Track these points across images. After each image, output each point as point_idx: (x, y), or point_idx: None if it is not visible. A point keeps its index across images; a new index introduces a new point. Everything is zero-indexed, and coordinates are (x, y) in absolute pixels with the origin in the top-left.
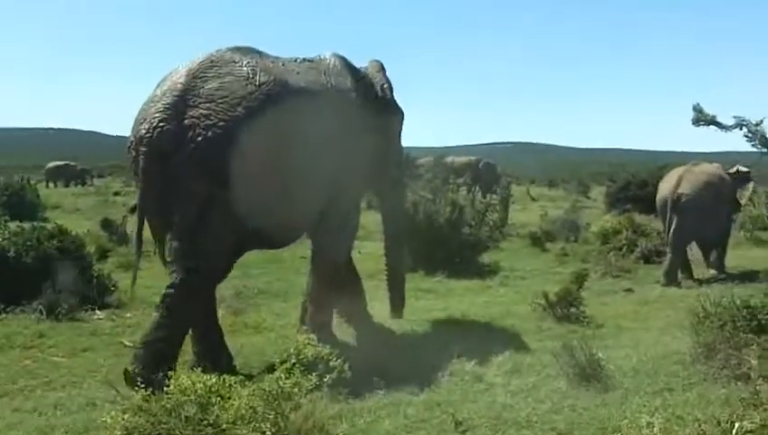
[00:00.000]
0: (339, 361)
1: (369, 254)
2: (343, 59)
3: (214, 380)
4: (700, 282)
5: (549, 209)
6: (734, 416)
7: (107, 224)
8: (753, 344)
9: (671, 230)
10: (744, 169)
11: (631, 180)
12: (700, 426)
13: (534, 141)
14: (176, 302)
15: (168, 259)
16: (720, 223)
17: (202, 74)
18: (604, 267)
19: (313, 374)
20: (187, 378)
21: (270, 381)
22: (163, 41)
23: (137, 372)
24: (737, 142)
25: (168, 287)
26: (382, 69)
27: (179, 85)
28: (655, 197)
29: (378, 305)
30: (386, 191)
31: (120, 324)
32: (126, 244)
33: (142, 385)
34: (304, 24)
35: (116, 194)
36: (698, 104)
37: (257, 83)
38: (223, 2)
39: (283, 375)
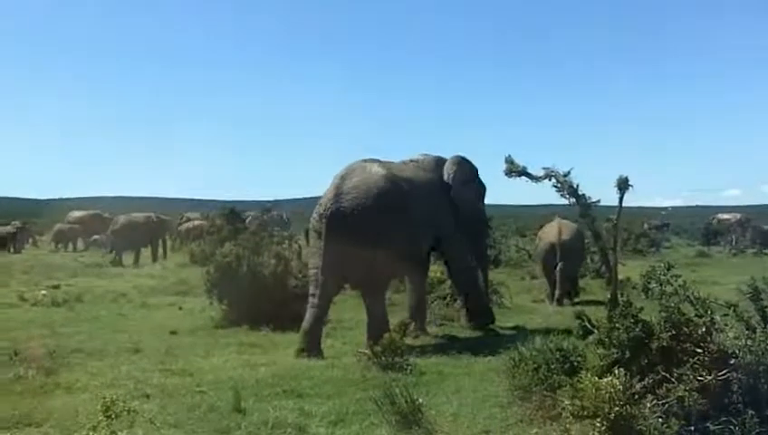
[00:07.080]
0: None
1: (189, 310)
2: (435, 157)
3: None
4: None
5: None
6: None
7: None
8: (566, 385)
9: (559, 268)
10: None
11: None
12: None
13: None
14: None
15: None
16: (580, 263)
17: (347, 176)
18: (429, 316)
19: (124, 431)
20: None
21: None
22: None
23: None
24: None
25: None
26: (457, 163)
27: (336, 183)
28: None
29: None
30: (460, 242)
31: None
32: None
33: None
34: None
35: None
36: (509, 156)
37: (380, 174)
38: None
39: (91, 433)
